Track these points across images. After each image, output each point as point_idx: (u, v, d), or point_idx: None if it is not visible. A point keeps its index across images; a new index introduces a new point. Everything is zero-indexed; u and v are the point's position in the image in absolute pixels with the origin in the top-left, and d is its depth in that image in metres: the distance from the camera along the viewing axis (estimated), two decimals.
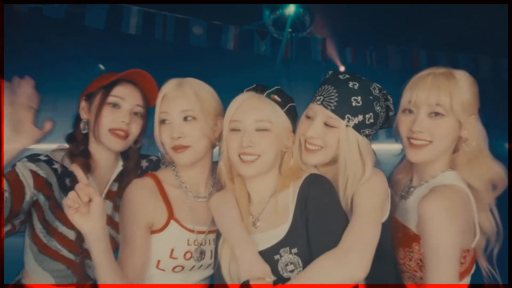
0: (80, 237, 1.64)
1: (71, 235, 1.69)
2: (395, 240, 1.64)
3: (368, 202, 1.49)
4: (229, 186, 1.66)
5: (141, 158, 1.93)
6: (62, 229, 1.69)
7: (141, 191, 1.64)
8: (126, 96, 1.76)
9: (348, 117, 1.56)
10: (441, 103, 1.54)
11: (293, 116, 1.64)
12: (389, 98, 1.67)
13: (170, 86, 1.69)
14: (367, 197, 1.51)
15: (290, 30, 5.07)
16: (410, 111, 1.61)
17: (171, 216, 1.65)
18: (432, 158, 1.61)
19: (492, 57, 5.47)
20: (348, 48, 5.09)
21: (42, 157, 1.69)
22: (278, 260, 1.47)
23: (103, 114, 1.73)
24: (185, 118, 1.65)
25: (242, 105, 1.58)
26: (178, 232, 1.65)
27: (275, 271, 1.46)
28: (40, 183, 1.63)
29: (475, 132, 1.60)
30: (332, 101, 1.57)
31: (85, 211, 1.37)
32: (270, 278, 1.43)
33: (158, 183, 1.69)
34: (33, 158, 1.66)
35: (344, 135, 1.56)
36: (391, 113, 1.68)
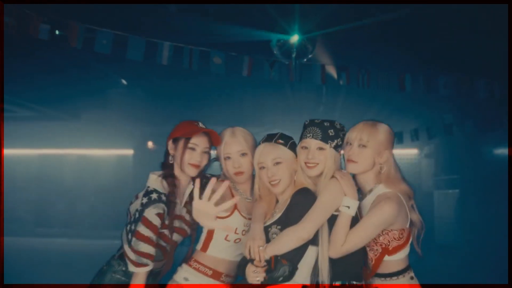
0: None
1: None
2: None
3: (322, 196, 2.34)
4: (259, 199, 2.57)
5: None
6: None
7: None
8: (200, 144, 2.59)
9: (329, 142, 2.43)
10: (363, 139, 2.36)
11: (294, 148, 2.50)
12: (344, 128, 2.51)
13: (227, 135, 2.61)
14: (321, 192, 2.35)
15: (294, 55, 5.73)
16: (348, 144, 2.44)
17: (235, 207, 2.58)
18: (360, 171, 2.40)
19: (471, 78, 5.81)
20: (344, 72, 5.64)
21: (154, 196, 2.45)
22: (269, 230, 2.39)
23: (185, 154, 2.58)
24: (241, 155, 2.58)
25: (263, 151, 2.46)
26: (239, 218, 2.58)
27: (267, 237, 2.36)
28: (162, 216, 2.47)
29: (387, 161, 2.39)
30: (318, 134, 2.44)
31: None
32: (262, 242, 2.29)
33: (231, 188, 2.68)
34: (154, 202, 2.43)
35: (329, 153, 2.42)
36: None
